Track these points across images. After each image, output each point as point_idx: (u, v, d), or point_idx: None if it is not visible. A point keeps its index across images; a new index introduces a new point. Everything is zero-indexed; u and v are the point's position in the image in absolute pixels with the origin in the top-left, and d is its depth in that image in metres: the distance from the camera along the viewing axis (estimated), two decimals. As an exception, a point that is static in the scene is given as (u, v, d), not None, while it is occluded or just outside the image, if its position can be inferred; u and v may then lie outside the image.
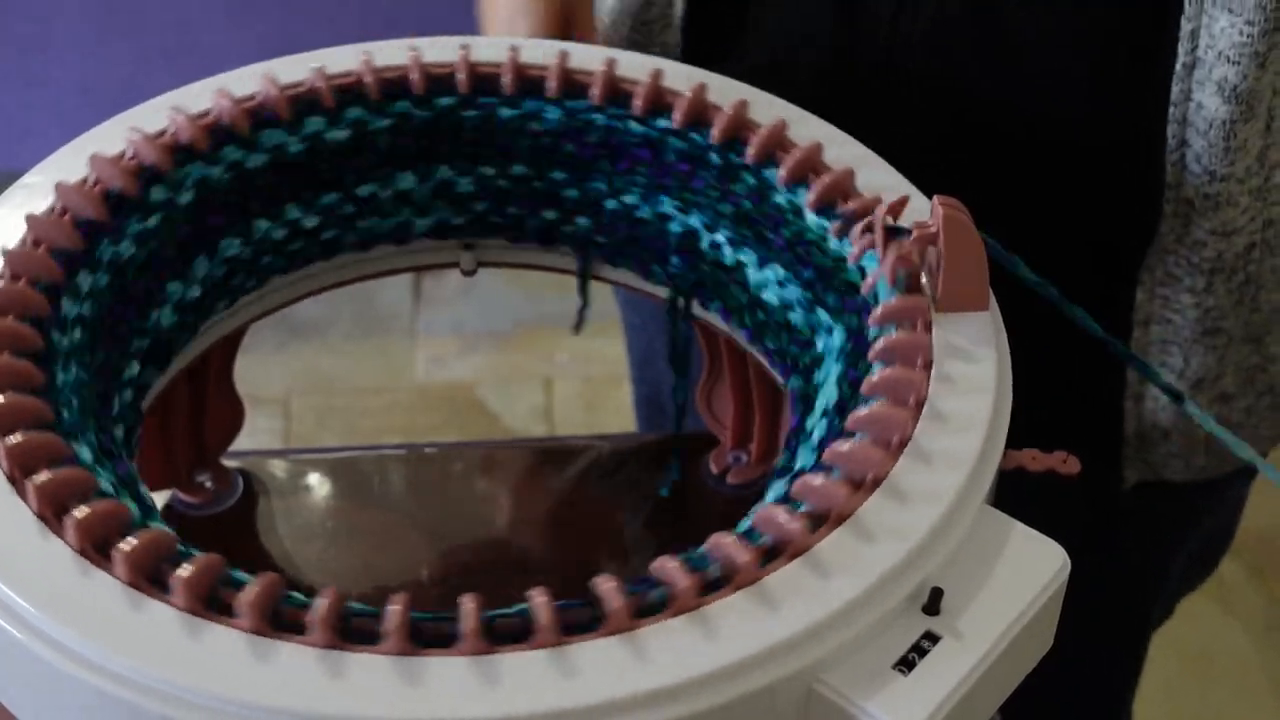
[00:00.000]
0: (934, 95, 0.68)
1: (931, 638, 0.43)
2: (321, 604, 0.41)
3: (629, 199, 0.62)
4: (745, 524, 0.45)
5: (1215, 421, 0.70)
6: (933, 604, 0.43)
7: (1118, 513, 0.77)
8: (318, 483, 0.71)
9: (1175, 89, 0.62)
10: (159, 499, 0.67)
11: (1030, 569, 0.45)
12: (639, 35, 0.73)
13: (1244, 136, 0.62)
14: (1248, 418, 0.72)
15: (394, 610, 0.40)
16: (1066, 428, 0.68)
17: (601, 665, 0.40)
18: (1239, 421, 0.72)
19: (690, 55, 0.72)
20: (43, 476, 0.44)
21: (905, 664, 0.42)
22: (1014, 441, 0.49)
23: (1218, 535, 0.86)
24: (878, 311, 0.51)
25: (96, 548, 0.43)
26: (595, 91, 0.60)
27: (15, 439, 0.45)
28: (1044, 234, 0.67)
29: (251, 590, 0.41)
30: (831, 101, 0.61)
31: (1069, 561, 0.46)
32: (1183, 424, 0.71)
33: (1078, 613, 0.50)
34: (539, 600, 0.41)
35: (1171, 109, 0.63)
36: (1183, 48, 0.61)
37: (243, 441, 0.70)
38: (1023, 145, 0.68)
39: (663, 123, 0.60)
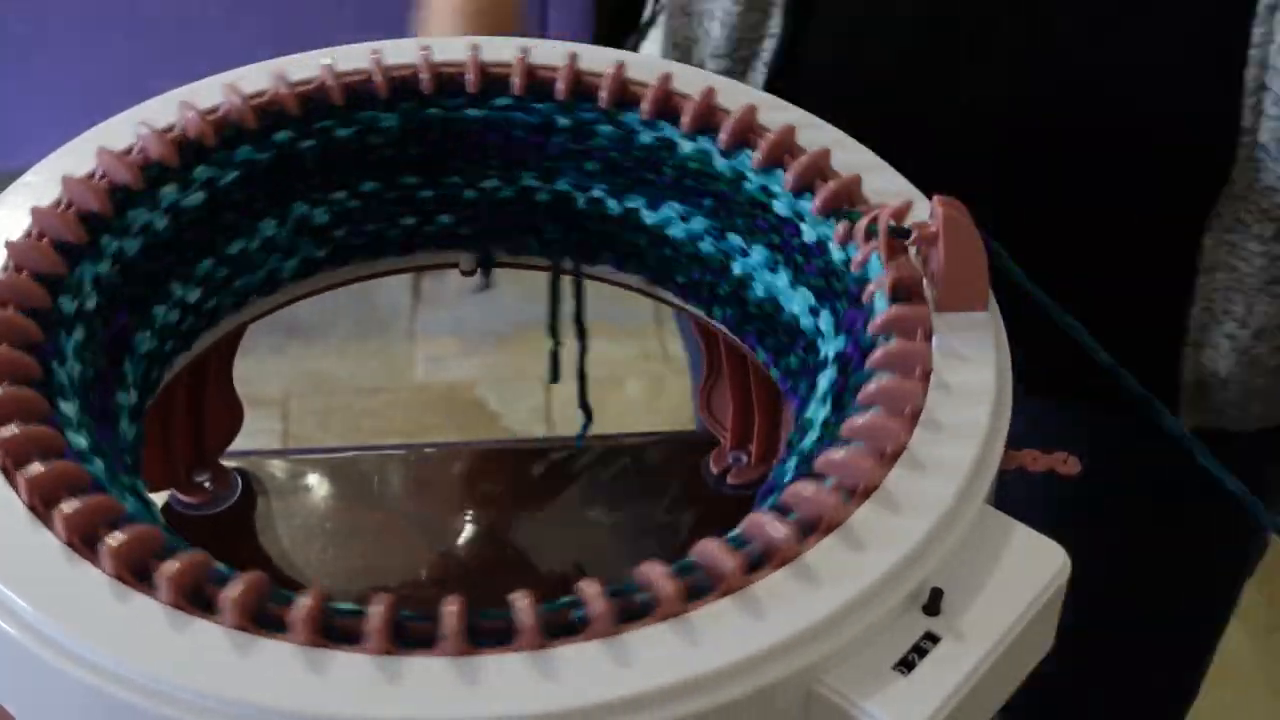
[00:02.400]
0: (1019, 53, 0.68)
1: (932, 638, 0.43)
2: (304, 603, 0.41)
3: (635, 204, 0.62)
4: (738, 530, 0.45)
5: (1274, 370, 0.70)
6: (933, 604, 0.43)
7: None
8: (317, 483, 0.71)
9: (1256, 32, 0.63)
10: (158, 499, 0.67)
11: (1031, 569, 0.45)
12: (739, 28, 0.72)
13: None
14: None
15: (377, 611, 0.41)
16: (1126, 367, 0.68)
17: (601, 666, 0.40)
18: None
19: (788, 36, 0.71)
20: (34, 469, 0.44)
21: (905, 664, 0.42)
22: (1074, 377, 0.47)
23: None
24: (878, 320, 0.51)
25: (85, 541, 0.43)
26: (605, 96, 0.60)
27: (10, 431, 0.45)
28: (1115, 183, 0.67)
29: (237, 587, 0.41)
30: (918, 69, 0.60)
31: (1069, 561, 0.45)
32: (1240, 373, 0.71)
33: (1165, 583, 0.48)
34: (522, 604, 0.41)
35: (1251, 51, 0.63)
36: None
37: (242, 442, 0.70)
38: (1104, 96, 0.68)
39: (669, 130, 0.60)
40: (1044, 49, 0.68)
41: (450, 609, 0.41)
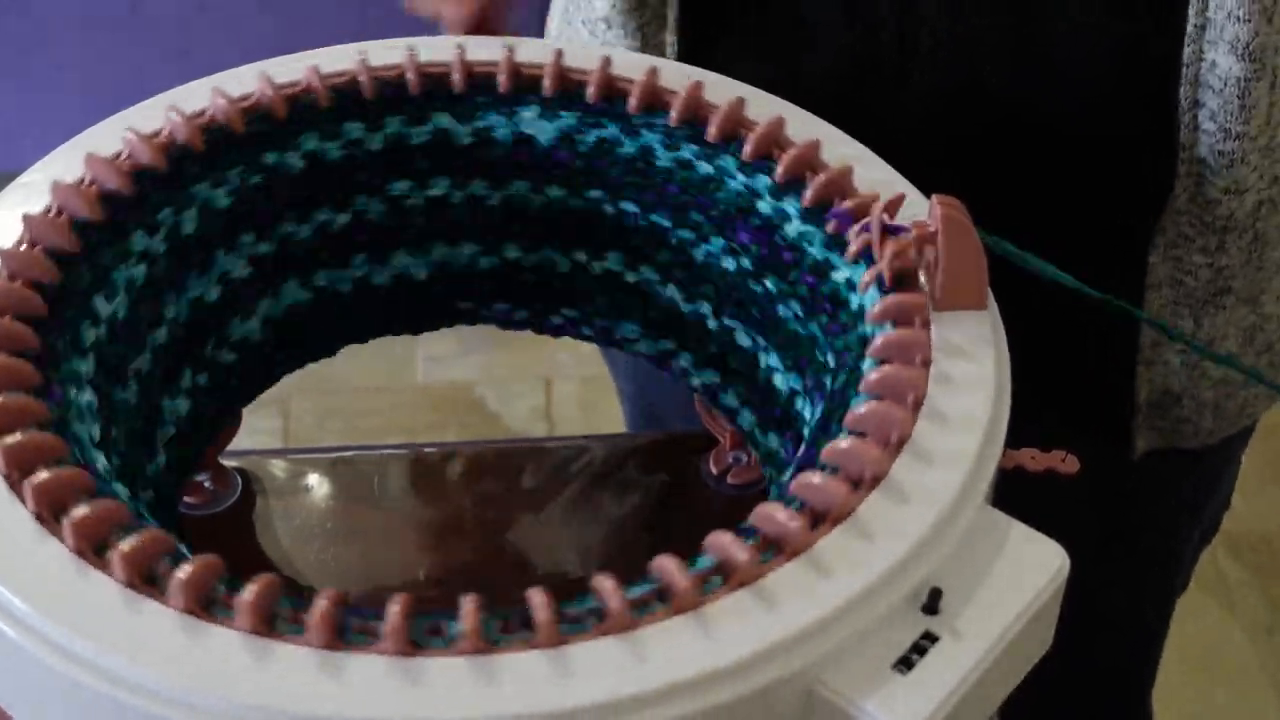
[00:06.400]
0: (946, 87, 0.69)
1: (930, 637, 0.43)
2: (320, 605, 0.40)
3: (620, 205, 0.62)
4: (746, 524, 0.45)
5: (1219, 383, 0.72)
6: (932, 604, 0.43)
7: (1137, 486, 0.78)
8: (317, 483, 0.71)
9: (1187, 50, 0.64)
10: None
11: (1029, 569, 0.45)
12: (634, 40, 0.73)
13: (1257, 95, 0.64)
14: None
15: (393, 611, 0.40)
16: (1080, 399, 0.68)
17: (600, 665, 0.40)
18: (1241, 380, 0.74)
19: (687, 57, 0.72)
20: (40, 476, 0.44)
21: (904, 664, 0.42)
22: (1029, 416, 0.49)
23: (1223, 498, 0.88)
24: (875, 309, 0.50)
25: (95, 549, 0.43)
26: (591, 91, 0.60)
27: (13, 439, 0.45)
28: (1058, 210, 0.68)
29: (250, 591, 0.41)
30: (837, 102, 0.61)
31: (1068, 561, 0.45)
32: (1192, 387, 0.72)
33: (1104, 590, 0.50)
34: (537, 600, 0.41)
35: (1184, 70, 0.65)
36: (1193, 9, 0.64)
37: (242, 441, 0.70)
38: (1038, 126, 0.69)
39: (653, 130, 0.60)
40: (969, 78, 0.69)
41: (468, 607, 0.40)
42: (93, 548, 0.42)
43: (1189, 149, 0.66)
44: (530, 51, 0.62)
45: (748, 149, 0.57)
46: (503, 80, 0.61)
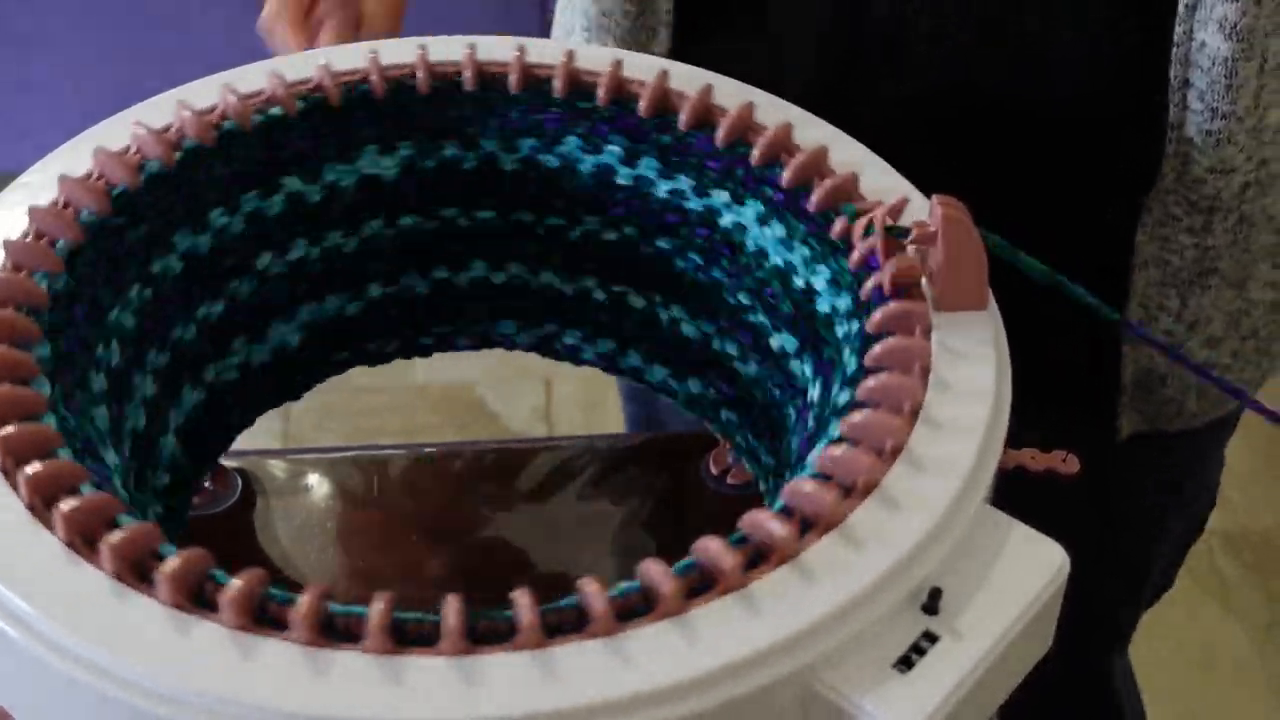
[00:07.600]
0: (931, 73, 0.69)
1: (930, 637, 0.43)
2: (304, 601, 0.40)
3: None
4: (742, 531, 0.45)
5: (1203, 365, 0.73)
6: (932, 603, 0.43)
7: (1119, 470, 0.79)
8: (316, 483, 0.71)
9: (1177, 30, 0.65)
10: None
11: (1029, 569, 0.45)
12: (626, 34, 0.73)
13: (1244, 75, 0.64)
14: (1234, 360, 0.74)
15: (377, 609, 0.40)
16: (1066, 376, 0.68)
17: (597, 665, 0.40)
18: (1226, 364, 0.74)
19: (678, 46, 0.73)
20: (69, 504, 0.43)
21: (904, 663, 0.42)
22: (1014, 398, 0.49)
23: (1206, 493, 0.89)
24: (875, 317, 0.51)
25: (85, 541, 0.42)
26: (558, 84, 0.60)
27: (35, 468, 0.45)
28: (1045, 188, 0.68)
29: (234, 587, 0.41)
30: (826, 91, 0.62)
31: (1068, 561, 0.46)
32: (1177, 368, 0.73)
33: (1078, 575, 0.50)
34: (523, 601, 0.41)
35: (1174, 49, 0.66)
36: None
37: (242, 442, 0.70)
38: (1024, 106, 0.70)
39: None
40: (956, 64, 0.69)
41: (452, 606, 0.41)
42: (130, 569, 0.42)
43: (1177, 128, 0.67)
44: (494, 49, 0.62)
45: (720, 135, 0.58)
46: (468, 78, 0.61)
